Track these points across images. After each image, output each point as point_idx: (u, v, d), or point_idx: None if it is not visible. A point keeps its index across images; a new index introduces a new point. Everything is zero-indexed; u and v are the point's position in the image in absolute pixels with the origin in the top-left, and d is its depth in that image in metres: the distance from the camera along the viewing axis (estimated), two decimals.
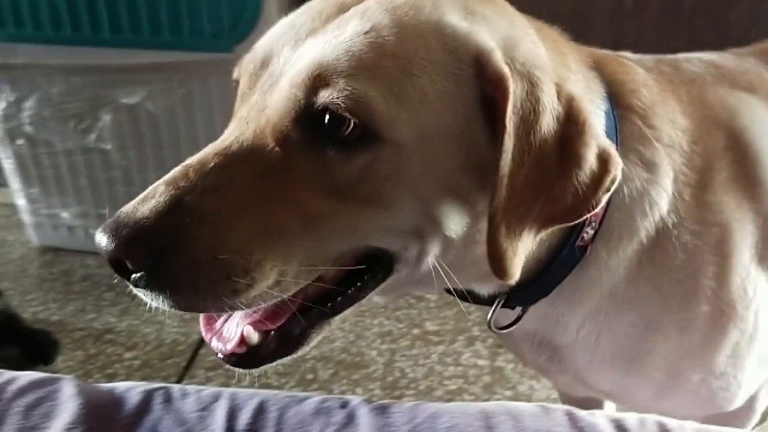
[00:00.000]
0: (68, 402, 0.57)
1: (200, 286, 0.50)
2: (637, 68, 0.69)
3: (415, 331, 1.63)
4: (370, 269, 0.57)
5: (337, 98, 0.50)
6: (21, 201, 1.82)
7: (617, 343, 0.69)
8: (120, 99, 1.62)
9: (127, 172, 1.72)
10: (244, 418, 0.56)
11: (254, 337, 0.57)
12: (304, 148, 0.52)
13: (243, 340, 0.57)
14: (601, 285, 0.66)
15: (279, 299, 0.53)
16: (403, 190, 0.53)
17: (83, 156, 1.71)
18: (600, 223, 0.63)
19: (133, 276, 0.50)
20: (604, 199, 0.55)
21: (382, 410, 0.57)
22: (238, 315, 0.58)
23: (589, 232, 0.63)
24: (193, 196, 0.50)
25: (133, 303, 1.69)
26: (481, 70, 0.53)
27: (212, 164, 0.51)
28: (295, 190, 0.52)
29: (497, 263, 0.54)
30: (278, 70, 0.54)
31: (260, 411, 0.56)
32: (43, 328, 1.61)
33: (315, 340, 0.60)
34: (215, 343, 0.59)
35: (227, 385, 1.48)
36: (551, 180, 0.54)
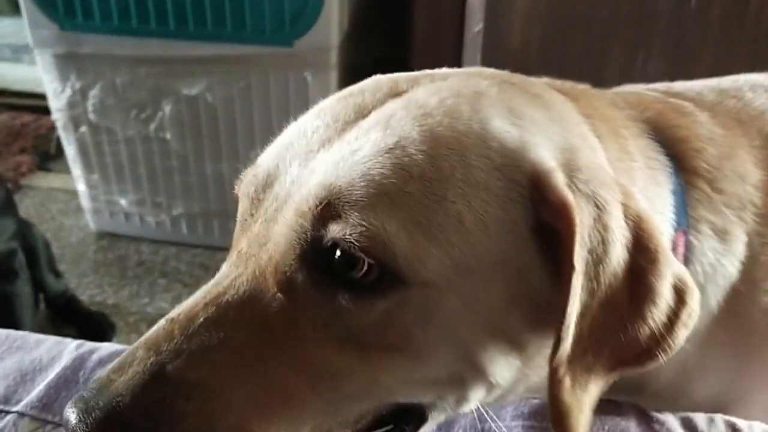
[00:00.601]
0: None
1: None
2: (698, 117, 0.61)
3: None
4: (398, 425, 0.48)
5: (349, 234, 0.41)
6: (81, 187, 1.88)
7: (697, 407, 0.62)
8: (181, 90, 1.66)
9: (184, 162, 1.76)
10: None
11: None
12: (311, 291, 0.43)
13: None
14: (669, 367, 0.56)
15: None
16: (437, 336, 0.44)
17: (143, 145, 1.75)
18: None
19: None
20: (683, 336, 0.46)
21: None
22: None
23: None
24: (178, 362, 0.41)
25: (185, 290, 1.74)
26: (537, 193, 0.44)
27: (202, 319, 0.43)
28: (302, 344, 0.43)
29: (561, 421, 0.44)
30: (284, 192, 0.45)
31: None
32: (99, 310, 1.66)
33: None
34: None
35: None
36: (622, 321, 0.45)
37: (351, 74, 1.74)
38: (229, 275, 0.45)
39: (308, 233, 0.43)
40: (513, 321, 0.45)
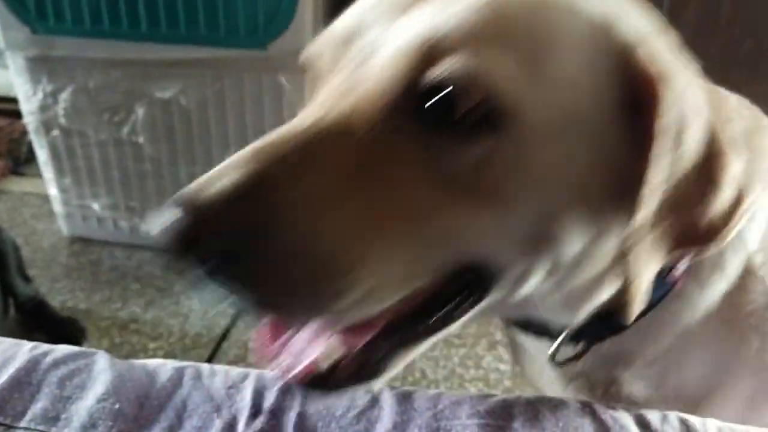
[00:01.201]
0: (102, 375, 0.58)
1: (289, 284, 0.41)
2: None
3: None
4: (461, 291, 0.49)
5: (457, 73, 0.41)
6: (53, 191, 1.86)
7: (684, 383, 0.65)
8: (154, 93, 1.65)
9: (157, 166, 1.75)
10: (270, 397, 0.57)
11: (333, 356, 0.47)
12: (408, 132, 0.43)
13: (315, 362, 0.48)
14: (679, 323, 0.62)
15: (369, 314, 0.44)
16: (527, 186, 0.44)
17: (116, 148, 1.74)
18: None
19: (207, 262, 0.39)
20: (735, 230, 0.49)
21: (405, 396, 0.58)
22: (307, 331, 0.49)
23: (680, 268, 0.58)
24: (282, 174, 0.41)
25: (158, 295, 1.73)
26: (627, 64, 0.45)
27: (296, 143, 0.42)
28: (396, 181, 0.43)
29: (627, 288, 0.47)
30: (372, 43, 0.45)
31: (286, 391, 0.57)
32: (70, 316, 1.64)
33: (395, 369, 0.50)
34: (281, 361, 0.49)
35: None
36: (689, 202, 0.47)
37: None
38: (312, 115, 0.44)
39: (409, 76, 0.43)
40: (595, 186, 0.47)
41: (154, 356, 1.55)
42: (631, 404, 0.63)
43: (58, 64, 1.64)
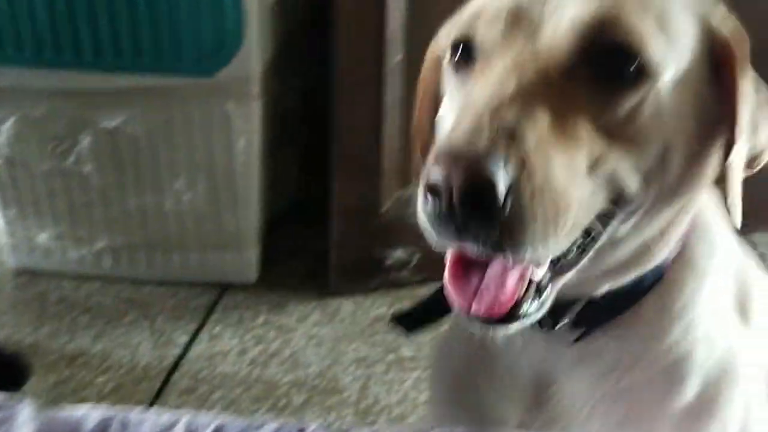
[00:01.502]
0: (24, 427, 0.57)
1: (538, 219, 0.48)
2: None
3: (391, 357, 1.63)
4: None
5: (627, 38, 0.53)
6: None
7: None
8: (100, 122, 1.63)
9: (104, 195, 1.71)
10: None
11: (520, 291, 0.55)
12: (585, 88, 0.53)
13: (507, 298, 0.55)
14: (676, 314, 0.67)
15: (570, 247, 0.54)
16: (658, 131, 0.55)
17: (62, 178, 1.71)
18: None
19: (498, 201, 0.47)
20: None
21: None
22: (494, 270, 0.56)
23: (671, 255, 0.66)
24: (520, 127, 0.49)
25: (108, 326, 1.69)
26: (711, 32, 0.59)
27: (516, 99, 0.51)
28: (581, 130, 0.52)
29: (732, 204, 0.60)
30: (544, 17, 0.55)
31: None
32: (16, 350, 1.59)
33: (552, 296, 0.58)
34: (475, 304, 0.56)
35: (200, 410, 1.48)
36: (759, 127, 0.61)
37: (275, 103, 1.74)
38: (508, 79, 0.52)
39: (589, 38, 0.53)
40: (695, 130, 0.58)
41: (101, 391, 1.52)
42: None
43: (0, 95, 1.60)
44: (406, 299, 1.84)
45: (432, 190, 0.48)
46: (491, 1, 0.58)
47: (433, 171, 0.48)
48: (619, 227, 0.58)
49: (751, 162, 0.62)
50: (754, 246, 2.23)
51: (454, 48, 0.60)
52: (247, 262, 1.84)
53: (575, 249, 0.56)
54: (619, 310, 0.66)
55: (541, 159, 0.49)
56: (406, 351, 1.64)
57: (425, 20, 1.66)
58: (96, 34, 1.53)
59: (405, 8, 1.62)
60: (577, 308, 0.65)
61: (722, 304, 0.70)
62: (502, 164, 0.47)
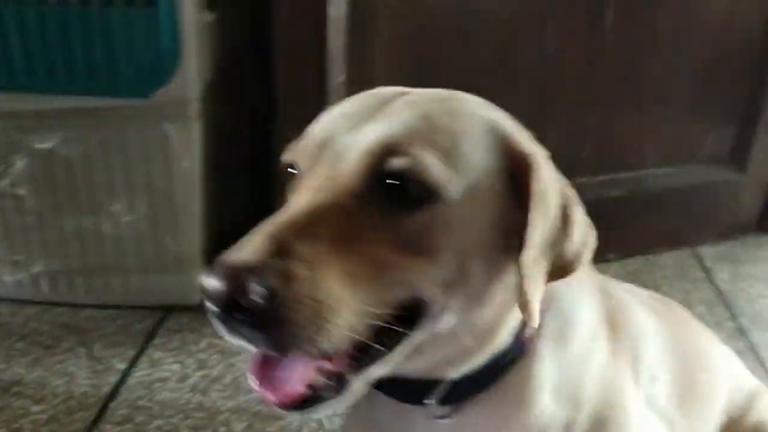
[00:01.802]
0: None
1: (301, 325, 0.55)
2: None
3: None
4: (405, 321, 0.64)
5: (406, 164, 0.60)
6: None
7: None
8: (34, 144, 1.59)
9: (40, 218, 1.67)
10: None
11: (316, 381, 0.62)
12: (375, 207, 0.60)
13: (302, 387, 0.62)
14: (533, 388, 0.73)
15: (349, 341, 0.59)
16: (450, 243, 0.62)
17: None
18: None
19: (241, 315, 0.53)
20: (588, 257, 0.70)
21: None
22: (290, 362, 0.63)
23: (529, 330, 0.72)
24: (290, 244, 0.56)
25: (44, 353, 1.65)
26: (509, 149, 0.66)
27: (298, 220, 0.58)
28: (368, 243, 0.59)
29: (525, 306, 0.64)
30: (342, 147, 0.63)
31: None
32: None
33: (359, 386, 0.64)
34: (271, 392, 0.63)
35: None
36: (558, 241, 0.66)
37: (216, 125, 1.72)
38: (306, 200, 0.60)
39: (374, 167, 0.60)
40: (493, 240, 0.65)
41: (36, 421, 1.47)
42: None
43: None
44: None
45: (207, 296, 0.55)
46: (313, 128, 0.67)
47: (206, 280, 0.54)
48: (434, 325, 0.65)
49: (559, 270, 0.68)
50: (700, 260, 2.26)
51: (287, 169, 0.69)
52: (190, 285, 1.80)
53: (379, 345, 0.62)
54: (483, 386, 0.72)
55: (309, 272, 0.55)
56: None
57: (366, 40, 1.66)
58: (28, 56, 1.50)
59: (346, 29, 1.60)
60: (443, 387, 0.71)
61: (595, 362, 0.77)
62: (261, 277, 0.53)
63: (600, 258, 1.99)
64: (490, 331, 0.70)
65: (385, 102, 0.66)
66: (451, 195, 0.61)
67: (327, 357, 0.60)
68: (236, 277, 0.53)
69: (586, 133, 2.10)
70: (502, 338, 0.71)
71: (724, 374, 1.07)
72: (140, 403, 1.50)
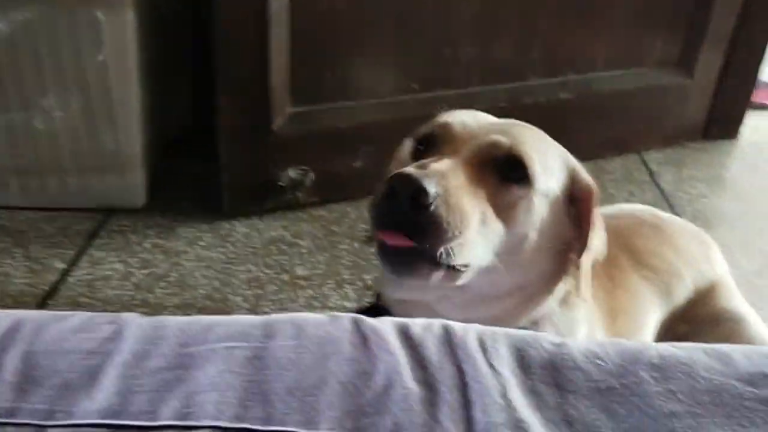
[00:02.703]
0: None
1: (450, 223, 0.74)
2: None
3: (284, 277, 1.60)
4: None
5: (523, 154, 0.81)
6: None
7: None
8: None
9: None
10: None
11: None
12: (491, 176, 0.80)
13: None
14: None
15: (462, 261, 0.78)
16: (525, 224, 0.82)
17: None
18: None
19: (426, 202, 0.72)
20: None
21: (155, 324, 0.54)
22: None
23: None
24: (447, 174, 0.76)
25: None
26: (574, 177, 0.87)
27: (450, 164, 0.78)
28: (482, 199, 0.78)
29: (581, 290, 0.86)
30: (475, 134, 0.84)
31: (14, 329, 0.51)
32: None
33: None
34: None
35: None
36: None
37: (152, 15, 1.62)
38: (451, 161, 0.79)
39: (501, 152, 0.81)
40: (549, 235, 0.85)
41: None
42: None
43: None
44: (302, 221, 1.81)
45: (390, 191, 0.73)
46: (450, 118, 0.87)
47: (394, 181, 0.74)
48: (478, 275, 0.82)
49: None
50: (645, 164, 2.30)
51: (420, 140, 0.88)
52: (132, 186, 1.75)
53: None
54: None
55: (456, 192, 0.75)
56: (300, 270, 1.62)
57: None
58: None
59: None
60: None
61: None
62: (432, 184, 0.73)
63: None
64: (522, 303, 0.88)
65: (490, 119, 0.90)
66: (539, 187, 0.82)
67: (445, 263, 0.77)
68: (419, 182, 0.72)
69: (536, 37, 2.07)
70: (532, 313, 0.89)
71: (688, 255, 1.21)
72: (81, 300, 1.47)
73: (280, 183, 1.79)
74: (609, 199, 2.06)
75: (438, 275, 0.77)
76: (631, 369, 0.54)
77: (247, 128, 1.70)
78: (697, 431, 0.49)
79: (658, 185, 2.15)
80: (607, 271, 1.06)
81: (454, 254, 0.75)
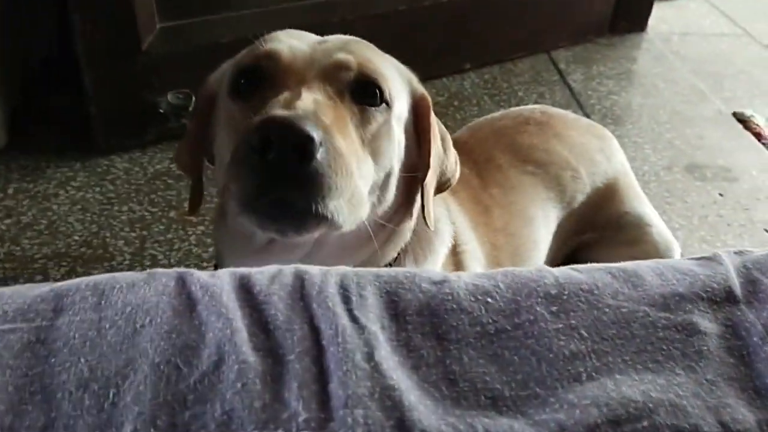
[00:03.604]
0: None
1: (338, 174, 0.64)
2: None
3: (172, 214, 1.45)
4: None
5: (378, 77, 0.73)
6: None
7: None
8: None
9: None
10: None
11: None
12: (350, 105, 0.72)
13: None
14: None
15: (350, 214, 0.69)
16: (388, 151, 0.74)
17: None
18: None
19: (313, 152, 0.61)
20: (456, 178, 0.89)
21: None
22: None
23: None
24: (317, 112, 0.66)
25: None
26: (412, 93, 0.81)
27: (311, 98, 0.67)
28: (349, 136, 0.69)
29: (428, 216, 0.79)
30: (311, 58, 0.74)
31: None
32: None
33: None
34: None
35: None
36: (442, 164, 0.84)
37: None
38: (308, 93, 0.68)
39: (352, 75, 0.72)
40: (404, 158, 0.78)
41: None
42: None
43: None
44: None
45: (264, 142, 0.60)
46: (274, 43, 0.75)
47: (267, 125, 0.61)
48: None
49: (441, 186, 0.85)
50: (554, 63, 2.22)
51: (237, 79, 0.74)
52: None
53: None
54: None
55: (332, 133, 0.65)
56: None
57: None
58: None
59: None
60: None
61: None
62: (314, 128, 0.62)
63: (457, 69, 1.99)
64: (386, 239, 0.81)
65: (314, 36, 0.80)
66: (395, 109, 0.75)
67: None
68: (301, 126, 0.61)
69: None
70: (394, 248, 0.82)
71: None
72: None
73: (160, 110, 1.61)
74: (519, 103, 1.98)
75: (324, 228, 0.68)
76: (525, 304, 0.44)
77: (113, 50, 1.49)
78: (604, 375, 0.40)
79: (567, 85, 2.08)
80: (482, 173, 1.03)
81: (342, 207, 0.65)
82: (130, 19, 1.47)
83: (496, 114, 1.22)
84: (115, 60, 1.50)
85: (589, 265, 0.49)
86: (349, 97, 0.72)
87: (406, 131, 0.79)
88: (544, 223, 1.06)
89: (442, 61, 2.03)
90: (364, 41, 0.80)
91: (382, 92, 0.73)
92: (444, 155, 0.83)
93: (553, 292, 0.45)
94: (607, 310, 0.44)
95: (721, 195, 1.59)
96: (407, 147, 0.78)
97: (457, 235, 0.92)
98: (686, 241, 1.41)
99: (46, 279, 1.25)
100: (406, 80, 0.81)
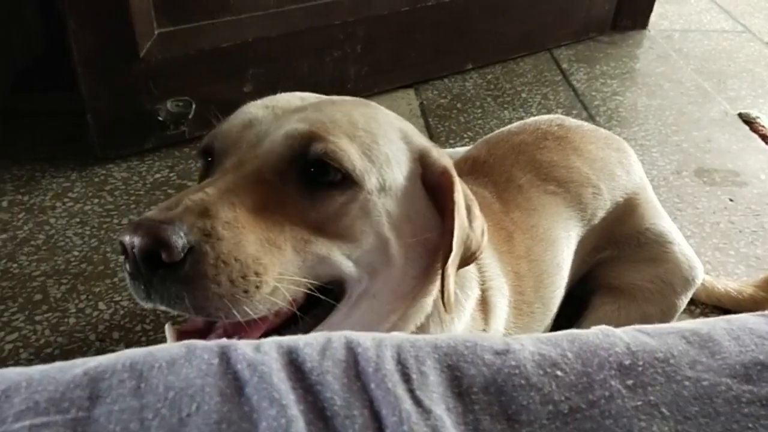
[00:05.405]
0: None
1: (222, 283, 0.56)
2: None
3: None
4: (327, 296, 0.67)
5: (327, 148, 0.64)
6: None
7: None
8: None
9: None
10: None
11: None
12: (296, 185, 0.64)
13: None
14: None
15: (270, 308, 0.61)
16: (367, 229, 0.67)
17: None
18: None
19: (161, 270, 0.55)
20: (483, 251, 0.80)
21: None
22: (214, 334, 0.66)
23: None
24: (214, 207, 0.58)
25: None
26: (424, 161, 0.73)
27: (221, 187, 0.60)
28: (288, 218, 0.62)
29: (448, 301, 0.72)
30: (264, 131, 0.68)
31: None
32: None
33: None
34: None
35: None
36: (467, 238, 0.74)
37: None
38: (228, 174, 0.63)
39: (296, 149, 0.65)
40: (411, 231, 0.71)
41: None
42: None
43: None
44: (190, 158, 1.59)
45: (123, 252, 0.56)
46: (232, 118, 0.71)
47: (122, 234, 0.55)
48: (361, 300, 0.71)
49: (465, 261, 0.77)
50: (557, 62, 2.18)
51: (201, 156, 0.73)
52: None
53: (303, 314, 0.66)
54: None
55: (231, 233, 0.57)
56: None
57: None
58: None
59: None
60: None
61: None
62: (181, 231, 0.55)
63: (459, 69, 1.93)
64: (408, 310, 0.76)
65: (306, 100, 0.74)
66: (369, 184, 0.66)
67: (247, 325, 0.62)
68: (156, 230, 0.54)
69: None
70: (418, 317, 0.78)
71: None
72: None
73: (158, 117, 1.56)
74: (523, 104, 1.95)
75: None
76: (598, 378, 0.41)
77: (110, 57, 1.44)
78: None
79: (571, 85, 2.04)
80: (503, 195, 1.00)
81: (253, 306, 0.58)
82: (128, 25, 1.42)
83: (513, 127, 1.19)
84: (112, 67, 1.45)
85: (657, 326, 0.46)
86: (296, 176, 0.64)
87: (413, 201, 0.71)
88: (566, 244, 1.03)
89: (443, 62, 1.99)
90: (359, 104, 0.73)
91: (338, 170, 0.64)
92: (469, 228, 0.74)
93: (627, 362, 0.42)
94: (687, 383, 0.41)
95: (731, 200, 1.57)
96: (418, 216, 0.72)
97: (482, 271, 0.88)
98: (699, 249, 1.38)
99: (45, 298, 1.20)
100: (407, 148, 0.72)
